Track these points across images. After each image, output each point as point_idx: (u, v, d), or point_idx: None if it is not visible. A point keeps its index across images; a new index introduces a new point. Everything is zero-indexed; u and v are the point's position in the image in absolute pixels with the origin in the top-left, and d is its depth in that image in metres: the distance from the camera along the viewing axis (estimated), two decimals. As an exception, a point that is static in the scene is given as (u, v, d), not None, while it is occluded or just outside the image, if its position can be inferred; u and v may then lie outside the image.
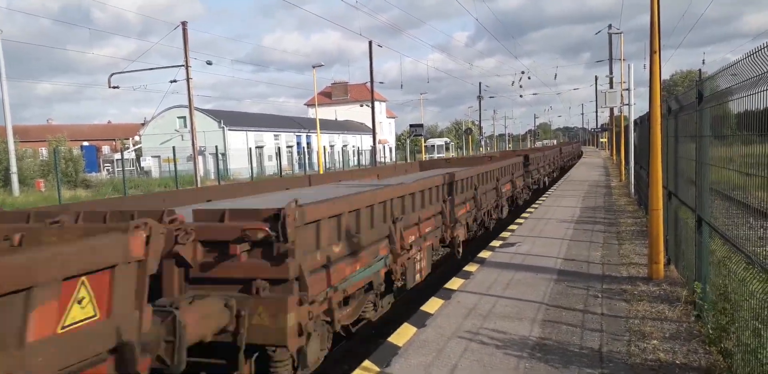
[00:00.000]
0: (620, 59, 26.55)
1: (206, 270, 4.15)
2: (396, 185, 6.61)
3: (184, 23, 27.07)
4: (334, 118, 71.14)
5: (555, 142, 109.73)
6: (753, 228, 3.79)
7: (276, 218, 4.03)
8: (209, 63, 45.36)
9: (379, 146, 49.82)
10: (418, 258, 7.11)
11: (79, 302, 2.79)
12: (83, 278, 2.78)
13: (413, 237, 6.85)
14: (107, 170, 49.03)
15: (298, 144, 57.45)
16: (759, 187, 3.46)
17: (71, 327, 2.74)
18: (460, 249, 8.86)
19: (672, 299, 5.94)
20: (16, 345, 2.47)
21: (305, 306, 4.24)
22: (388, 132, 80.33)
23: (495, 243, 9.66)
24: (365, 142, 66.91)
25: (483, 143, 75.74)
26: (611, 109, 31.68)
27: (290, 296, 4.08)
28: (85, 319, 2.82)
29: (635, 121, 15.95)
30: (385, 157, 65.56)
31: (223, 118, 48.16)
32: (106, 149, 64.05)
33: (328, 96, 76.17)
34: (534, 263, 7.94)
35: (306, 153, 52.95)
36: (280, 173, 37.15)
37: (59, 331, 2.67)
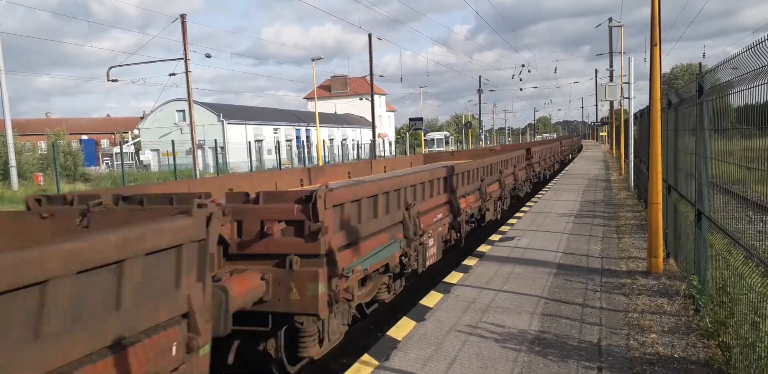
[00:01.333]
0: (620, 52, 26.48)
1: (243, 247, 4.56)
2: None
3: (183, 16, 26.95)
4: (333, 112, 71.00)
5: (555, 135, 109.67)
6: (752, 222, 3.78)
7: (308, 200, 4.52)
8: (208, 56, 44.93)
9: (378, 140, 49.77)
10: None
11: None
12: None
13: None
14: (106, 164, 48.99)
15: (298, 137, 57.37)
16: (759, 180, 3.45)
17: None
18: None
19: (671, 293, 5.95)
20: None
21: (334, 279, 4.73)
22: (387, 125, 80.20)
23: (494, 237, 9.66)
24: (365, 135, 66.79)
25: (483, 137, 75.66)
26: (611, 103, 31.64)
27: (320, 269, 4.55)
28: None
29: (635, 115, 15.91)
30: (384, 151, 65.49)
31: (222, 111, 48.06)
32: (104, 143, 63.93)
33: (327, 89, 75.96)
34: (533, 257, 7.94)
35: (305, 146, 52.90)
36: (279, 167, 37.12)
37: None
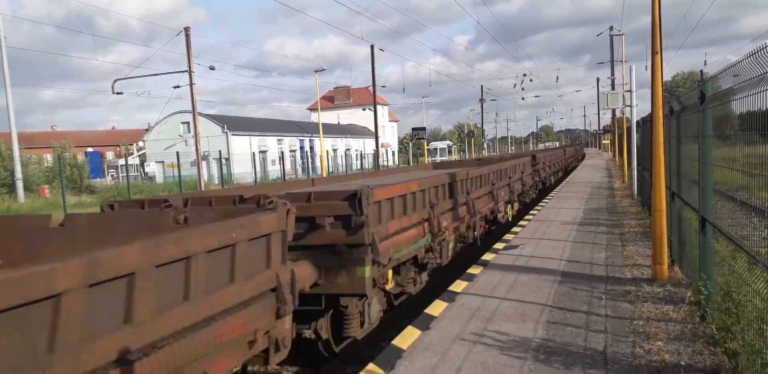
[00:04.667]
0: (622, 61, 26.56)
1: (298, 239, 5.14)
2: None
3: (186, 29, 27.20)
4: (336, 122, 71.23)
5: (557, 144, 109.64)
6: (756, 228, 3.78)
7: (353, 197, 5.35)
8: (212, 68, 44.83)
9: (381, 150, 49.85)
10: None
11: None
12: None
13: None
14: (111, 176, 49.23)
15: (301, 148, 57.54)
16: (762, 187, 3.45)
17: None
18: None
19: (676, 300, 5.93)
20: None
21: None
22: (390, 135, 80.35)
23: (498, 245, 9.65)
24: (368, 145, 66.93)
25: (485, 146, 75.70)
26: (613, 111, 31.68)
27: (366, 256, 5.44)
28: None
29: (637, 123, 15.92)
30: (387, 161, 65.55)
31: (226, 122, 48.29)
32: (110, 155, 64.28)
33: (330, 100, 76.27)
34: (537, 265, 7.92)
35: (309, 157, 53.02)
36: (284, 177, 37.20)
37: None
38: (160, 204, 5.19)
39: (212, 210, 4.71)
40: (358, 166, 54.08)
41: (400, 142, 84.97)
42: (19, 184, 25.94)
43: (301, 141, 57.99)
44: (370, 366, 4.54)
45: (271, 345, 4.21)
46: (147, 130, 56.41)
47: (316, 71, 37.78)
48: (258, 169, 38.56)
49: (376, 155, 42.56)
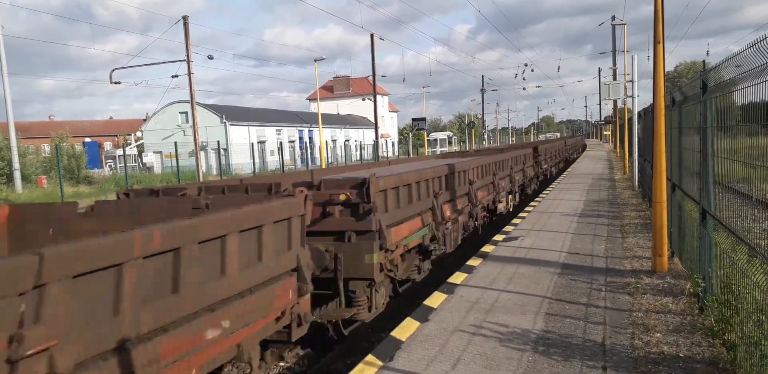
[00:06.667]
0: (624, 51, 26.40)
1: (308, 226, 5.15)
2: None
3: (185, 17, 26.99)
4: (336, 113, 70.99)
5: (558, 134, 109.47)
6: (757, 220, 3.76)
7: (362, 186, 5.56)
8: (210, 57, 44.68)
9: (381, 140, 49.74)
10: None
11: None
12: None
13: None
14: (109, 166, 49.11)
15: (300, 139, 57.37)
16: (764, 178, 3.42)
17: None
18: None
19: (676, 292, 5.92)
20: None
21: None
22: (390, 126, 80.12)
23: (498, 237, 9.63)
24: (368, 136, 66.75)
25: (486, 137, 75.49)
26: (615, 101, 31.56)
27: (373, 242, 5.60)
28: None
29: (639, 113, 15.86)
30: (387, 152, 65.45)
31: (224, 112, 48.08)
32: (108, 145, 64.07)
33: (330, 90, 75.95)
34: (537, 257, 7.91)
35: (308, 148, 52.90)
36: (282, 168, 37.14)
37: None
38: (174, 192, 5.44)
39: (229, 198, 4.95)
40: (358, 157, 53.96)
41: (400, 133, 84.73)
42: (17, 175, 25.85)
43: (300, 131, 57.80)
44: (369, 357, 4.53)
45: (294, 320, 4.46)
46: (145, 119, 56.20)
47: (315, 60, 37.61)
48: (257, 159, 38.48)
49: (375, 146, 42.48)
